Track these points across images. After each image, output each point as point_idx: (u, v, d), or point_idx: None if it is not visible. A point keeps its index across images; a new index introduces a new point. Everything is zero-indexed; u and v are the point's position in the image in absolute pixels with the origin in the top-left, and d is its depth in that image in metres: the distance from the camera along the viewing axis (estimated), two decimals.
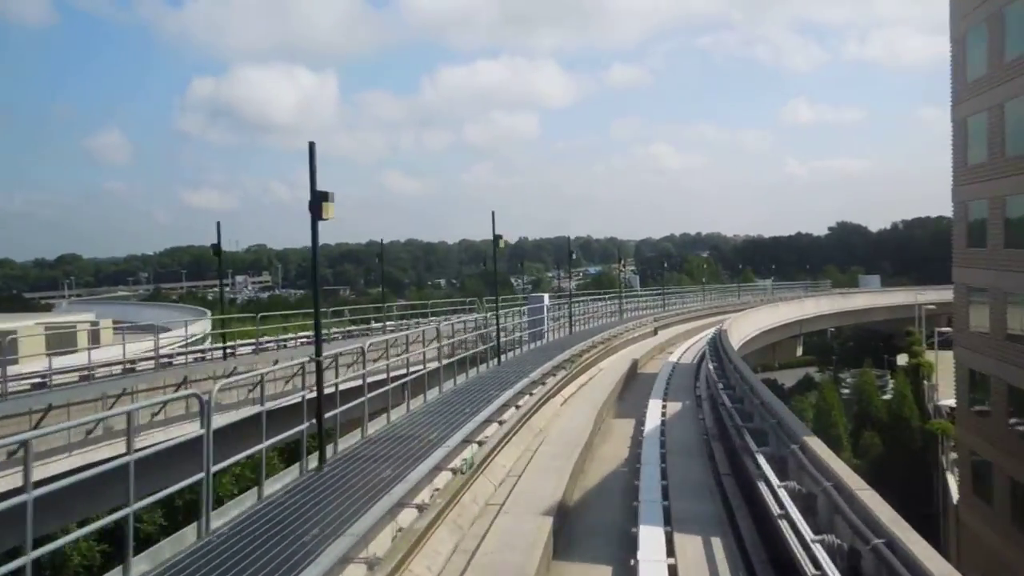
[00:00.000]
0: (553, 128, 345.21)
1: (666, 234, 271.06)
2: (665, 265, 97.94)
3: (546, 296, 36.15)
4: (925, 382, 57.70)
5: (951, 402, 50.16)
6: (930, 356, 71.89)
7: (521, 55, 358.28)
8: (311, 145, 10.35)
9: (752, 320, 48.03)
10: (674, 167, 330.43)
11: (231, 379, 19.41)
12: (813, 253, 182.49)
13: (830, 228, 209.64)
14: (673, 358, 32.27)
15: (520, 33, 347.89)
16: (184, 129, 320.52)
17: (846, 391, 64.11)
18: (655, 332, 42.53)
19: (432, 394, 16.33)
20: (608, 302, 46.20)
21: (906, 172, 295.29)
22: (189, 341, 31.18)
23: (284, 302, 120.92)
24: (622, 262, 55.76)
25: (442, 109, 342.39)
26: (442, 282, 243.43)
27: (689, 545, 9.53)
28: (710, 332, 45.97)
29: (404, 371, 16.21)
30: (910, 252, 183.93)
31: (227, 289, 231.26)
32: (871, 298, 78.03)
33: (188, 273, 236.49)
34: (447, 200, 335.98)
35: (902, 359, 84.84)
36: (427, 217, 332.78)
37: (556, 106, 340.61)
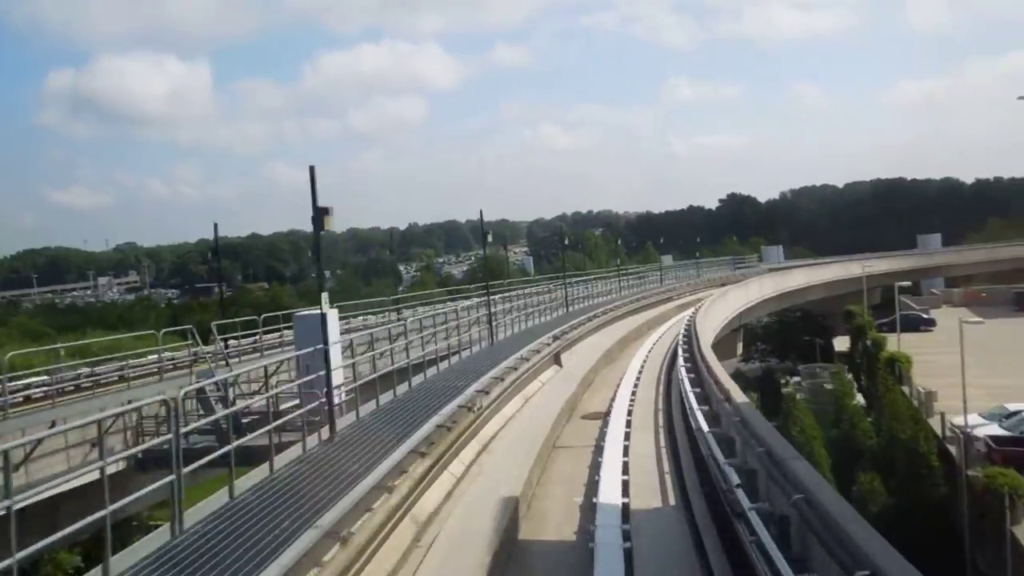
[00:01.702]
0: (440, 112, 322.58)
1: (558, 213, 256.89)
2: (566, 241, 78.51)
3: (332, 314, 16.33)
4: (918, 388, 41.08)
5: (979, 424, 33.68)
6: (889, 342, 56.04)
7: (403, 39, 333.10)
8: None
9: (713, 318, 30.12)
10: (563, 147, 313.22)
11: None
12: (706, 226, 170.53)
13: (721, 200, 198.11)
14: (610, 465, 12.92)
15: (401, 15, 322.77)
16: (45, 124, 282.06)
17: (800, 395, 46.51)
18: (557, 361, 23.64)
19: None
20: (468, 310, 26.61)
21: (785, 145, 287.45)
22: None
23: (111, 309, 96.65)
24: (501, 245, 36.49)
25: (325, 96, 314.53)
26: (327, 273, 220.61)
27: None
28: (648, 351, 27.74)
29: None
30: (800, 220, 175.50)
31: (88, 292, 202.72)
32: (809, 274, 61.79)
33: (43, 277, 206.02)
34: (335, 189, 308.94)
35: (840, 344, 69.43)
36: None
37: (442, 89, 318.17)
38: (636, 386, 19.68)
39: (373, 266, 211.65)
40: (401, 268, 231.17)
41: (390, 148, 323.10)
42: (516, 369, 18.93)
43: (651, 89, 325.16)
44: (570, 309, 34.85)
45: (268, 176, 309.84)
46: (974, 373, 48.86)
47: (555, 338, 25.14)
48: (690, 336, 21.06)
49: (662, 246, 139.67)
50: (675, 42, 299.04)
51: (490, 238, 40.13)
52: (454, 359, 19.91)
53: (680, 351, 20.73)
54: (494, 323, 24.48)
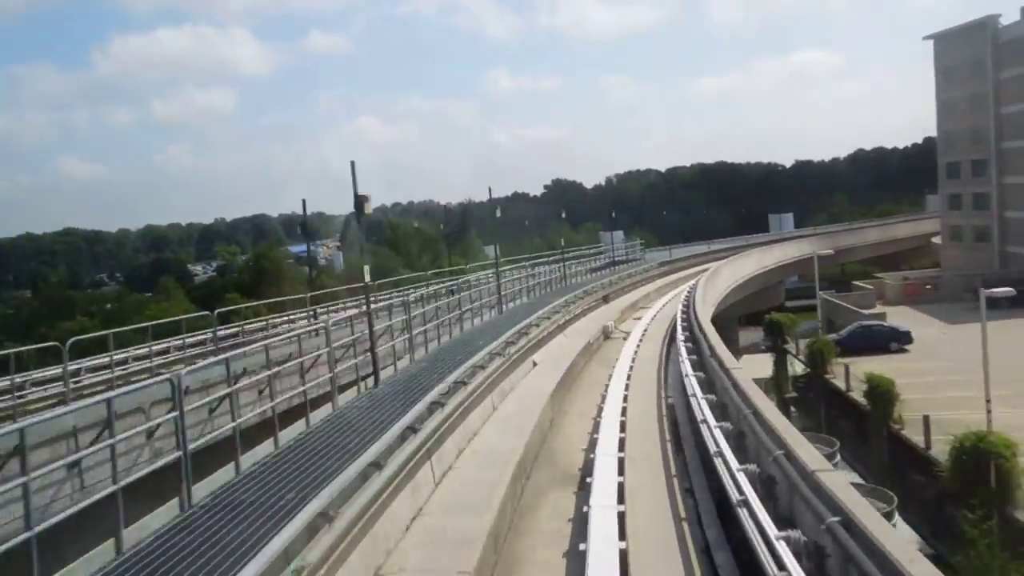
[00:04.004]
0: (253, 102, 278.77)
1: (377, 205, 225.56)
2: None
3: None
4: None
5: None
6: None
7: (207, 22, 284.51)
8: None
9: None
10: (384, 139, 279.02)
11: None
12: (533, 213, 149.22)
13: (546, 187, 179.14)
14: None
15: None
16: None
17: None
18: None
19: None
20: None
21: (603, 135, 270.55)
22: None
23: None
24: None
25: (122, 84, 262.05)
26: (104, 276, 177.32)
27: None
28: None
29: None
30: (626, 205, 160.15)
31: None
32: (730, 270, 36.61)
33: None
34: (137, 185, 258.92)
35: (755, 368, 45.26)
36: (111, 204, 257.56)
37: (254, 77, 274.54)
38: None
39: (164, 265, 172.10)
40: (199, 267, 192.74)
41: (199, 140, 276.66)
42: None
43: (472, 80, 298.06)
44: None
45: (60, 171, 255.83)
46: None
47: None
48: None
49: (486, 235, 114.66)
50: (495, 33, 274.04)
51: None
52: None
53: None
54: None
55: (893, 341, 36.60)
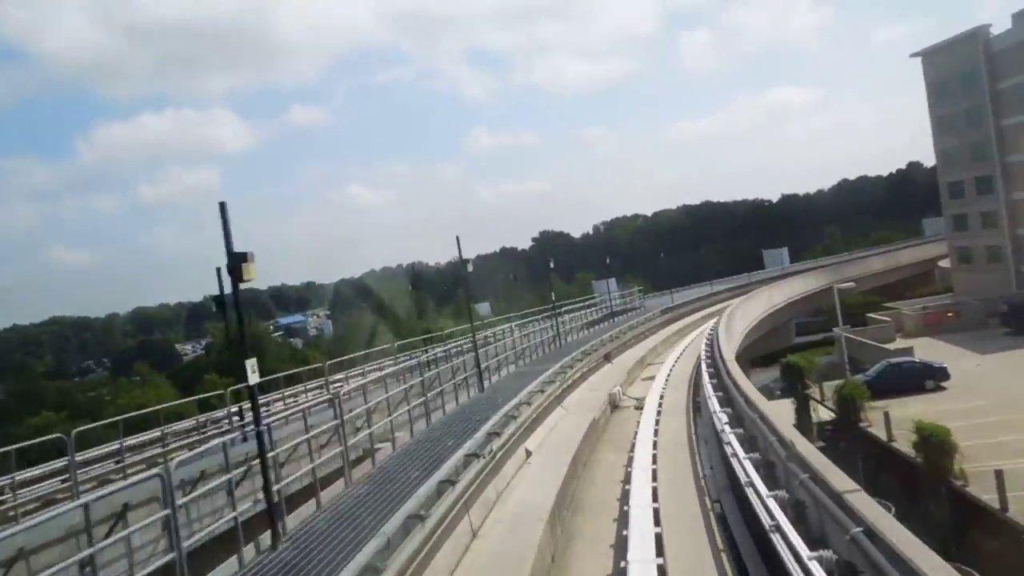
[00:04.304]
0: (238, 179, 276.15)
1: (367, 270, 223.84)
2: None
3: None
4: None
5: None
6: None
7: (189, 105, 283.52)
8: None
9: None
10: (370, 205, 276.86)
11: None
12: (521, 267, 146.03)
13: (533, 239, 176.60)
14: None
15: (183, 78, 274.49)
16: None
17: None
18: None
19: None
20: None
21: (586, 184, 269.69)
22: None
23: None
24: None
25: (107, 170, 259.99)
26: (92, 363, 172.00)
27: None
28: None
29: None
30: (616, 251, 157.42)
31: None
32: (744, 310, 32.81)
33: None
34: (125, 268, 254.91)
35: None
36: (98, 289, 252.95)
37: (238, 154, 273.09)
38: None
39: (151, 348, 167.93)
40: (188, 347, 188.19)
41: (186, 220, 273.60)
42: None
43: (454, 140, 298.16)
44: None
45: (49, 261, 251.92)
46: None
47: None
48: None
49: (475, 293, 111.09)
50: (473, 94, 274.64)
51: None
52: None
53: None
54: None
55: (928, 379, 32.50)
